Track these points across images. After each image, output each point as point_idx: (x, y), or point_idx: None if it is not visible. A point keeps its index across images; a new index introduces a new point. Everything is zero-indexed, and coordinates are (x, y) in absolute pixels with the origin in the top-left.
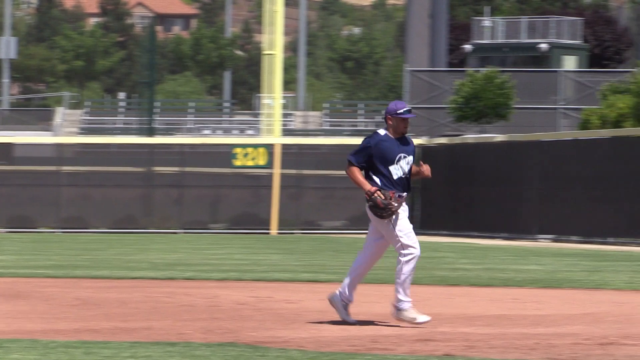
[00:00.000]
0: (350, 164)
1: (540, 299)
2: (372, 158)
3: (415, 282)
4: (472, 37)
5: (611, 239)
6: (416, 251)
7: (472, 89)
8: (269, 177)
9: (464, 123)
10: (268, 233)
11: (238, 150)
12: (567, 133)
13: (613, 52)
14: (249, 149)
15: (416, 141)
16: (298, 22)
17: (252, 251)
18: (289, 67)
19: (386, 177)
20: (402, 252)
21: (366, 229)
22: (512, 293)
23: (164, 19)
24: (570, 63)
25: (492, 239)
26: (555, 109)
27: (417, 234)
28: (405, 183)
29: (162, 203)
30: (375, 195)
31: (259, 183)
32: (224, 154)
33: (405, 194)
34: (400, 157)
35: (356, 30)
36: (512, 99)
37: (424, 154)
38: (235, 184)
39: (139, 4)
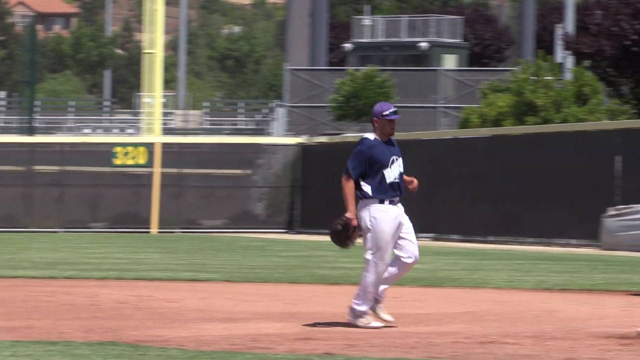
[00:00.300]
0: (349, 176)
1: (421, 298)
2: (366, 164)
3: (296, 280)
4: (352, 36)
5: (491, 238)
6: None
7: (352, 87)
8: (149, 176)
9: (345, 122)
10: (148, 232)
11: (118, 149)
12: (447, 132)
13: (493, 50)
14: (129, 148)
15: (295, 140)
16: (178, 21)
17: (132, 250)
18: (169, 66)
19: (379, 182)
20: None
21: (246, 228)
22: (394, 292)
23: (44, 18)
24: (450, 62)
25: None
26: (435, 107)
27: (297, 232)
28: (397, 186)
29: (42, 202)
30: (350, 226)
31: (140, 182)
32: (104, 152)
33: (398, 197)
34: (393, 160)
35: (236, 29)
36: (393, 97)
37: (304, 153)
38: (115, 183)
39: (20, 3)
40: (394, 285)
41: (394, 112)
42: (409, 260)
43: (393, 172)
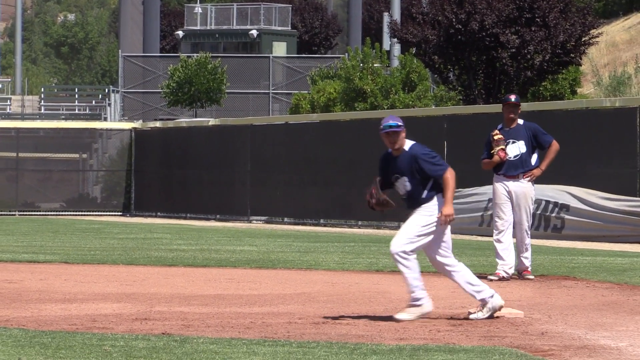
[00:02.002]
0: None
1: (254, 279)
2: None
3: (132, 262)
4: (184, 23)
5: (322, 221)
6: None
7: (184, 74)
8: None
9: (177, 107)
10: None
11: None
12: (278, 117)
13: (322, 38)
14: None
15: (130, 125)
16: (15, 9)
17: None
18: (6, 53)
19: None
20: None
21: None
22: (228, 273)
23: None
24: (280, 49)
25: (206, 221)
26: (266, 93)
27: (132, 215)
28: (406, 203)
29: None
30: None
31: None
32: None
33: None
34: (395, 178)
35: (71, 16)
36: (225, 83)
37: (138, 138)
38: None
39: None
40: (227, 266)
41: (389, 126)
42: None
43: (397, 188)
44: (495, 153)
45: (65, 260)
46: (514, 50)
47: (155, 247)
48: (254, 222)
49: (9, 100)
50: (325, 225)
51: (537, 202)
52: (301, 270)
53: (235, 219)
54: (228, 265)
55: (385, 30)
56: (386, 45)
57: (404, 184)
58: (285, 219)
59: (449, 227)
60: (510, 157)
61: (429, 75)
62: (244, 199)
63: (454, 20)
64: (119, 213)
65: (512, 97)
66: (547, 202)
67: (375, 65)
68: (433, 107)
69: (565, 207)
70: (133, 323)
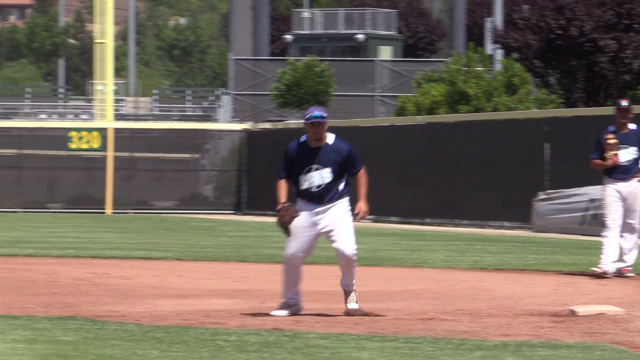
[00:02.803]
0: (277, 177)
1: (362, 277)
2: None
3: (243, 259)
4: (292, 27)
5: (428, 220)
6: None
7: (293, 77)
8: (103, 159)
9: (287, 109)
10: (103, 213)
11: (73, 133)
12: (384, 119)
13: (427, 42)
14: (84, 133)
15: (241, 126)
16: (127, 13)
17: (88, 230)
18: (120, 55)
19: (298, 187)
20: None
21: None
22: (336, 270)
23: (0, 9)
24: (385, 53)
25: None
26: (372, 96)
27: (244, 214)
28: (313, 195)
29: (1, 184)
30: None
31: (94, 165)
32: (60, 137)
33: (317, 207)
34: (314, 169)
35: (182, 20)
36: (332, 86)
37: (249, 138)
38: (71, 165)
39: None
40: (337, 264)
41: (314, 116)
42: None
43: (311, 179)
44: (609, 157)
45: (178, 257)
46: (612, 54)
47: (267, 245)
48: (362, 221)
49: (123, 102)
50: (431, 224)
51: None
52: (408, 268)
53: None
54: (336, 262)
55: (488, 35)
56: (489, 50)
57: (321, 176)
58: (392, 218)
59: None
60: (621, 162)
61: (530, 78)
62: (352, 198)
63: (554, 26)
64: (231, 211)
65: (623, 102)
66: None
67: (478, 68)
68: (534, 110)
69: None
70: (245, 318)
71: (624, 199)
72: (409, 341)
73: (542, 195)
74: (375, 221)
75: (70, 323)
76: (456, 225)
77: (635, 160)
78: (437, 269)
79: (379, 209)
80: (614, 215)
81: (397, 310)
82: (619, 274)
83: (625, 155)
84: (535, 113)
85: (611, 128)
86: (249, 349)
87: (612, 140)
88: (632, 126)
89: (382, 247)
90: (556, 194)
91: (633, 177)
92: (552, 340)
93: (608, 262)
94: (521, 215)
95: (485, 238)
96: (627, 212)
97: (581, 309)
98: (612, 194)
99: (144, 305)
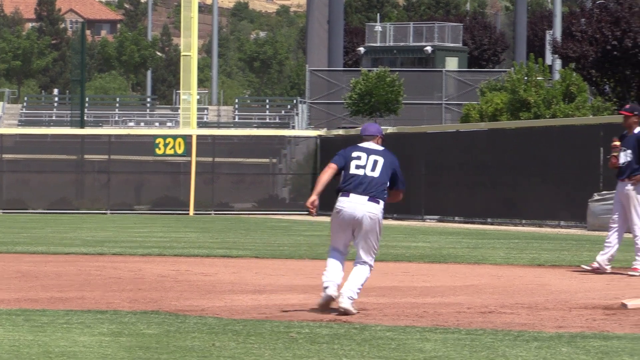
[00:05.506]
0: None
1: (427, 273)
2: None
3: (317, 257)
4: (365, 40)
5: (489, 219)
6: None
7: (365, 86)
8: (187, 164)
9: (359, 117)
10: (186, 214)
11: (159, 140)
12: (449, 126)
13: (490, 54)
14: (169, 139)
15: (315, 133)
16: (211, 27)
17: (172, 230)
18: (204, 67)
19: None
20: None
21: (272, 210)
22: (403, 267)
23: (92, 24)
24: (452, 64)
25: (384, 219)
26: (439, 104)
27: (318, 215)
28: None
29: (92, 187)
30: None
31: (178, 169)
32: (147, 143)
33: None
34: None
35: (262, 34)
36: (401, 95)
37: (323, 144)
38: (157, 170)
39: (71, 10)
40: (403, 260)
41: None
42: None
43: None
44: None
45: (256, 255)
46: None
47: None
48: (428, 220)
49: (206, 110)
50: (492, 224)
51: None
52: (470, 265)
53: (411, 217)
54: (403, 259)
55: (548, 46)
56: (548, 60)
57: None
58: (456, 218)
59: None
60: (620, 164)
61: (587, 87)
62: (418, 199)
63: (610, 37)
64: (305, 212)
65: (625, 107)
66: None
67: (538, 78)
68: (590, 117)
69: None
70: (317, 312)
71: (621, 200)
72: (469, 333)
73: (596, 196)
74: (439, 221)
75: (154, 317)
76: (516, 224)
77: (632, 164)
78: (497, 265)
79: (444, 209)
80: (613, 216)
81: (459, 304)
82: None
83: (622, 157)
84: (591, 119)
85: (625, 132)
86: (320, 341)
87: (614, 142)
88: (637, 130)
89: (446, 245)
90: (610, 195)
91: (628, 179)
92: (604, 331)
93: (599, 259)
94: (577, 215)
95: (543, 236)
96: (623, 213)
97: (631, 302)
98: (616, 194)
99: (223, 300)
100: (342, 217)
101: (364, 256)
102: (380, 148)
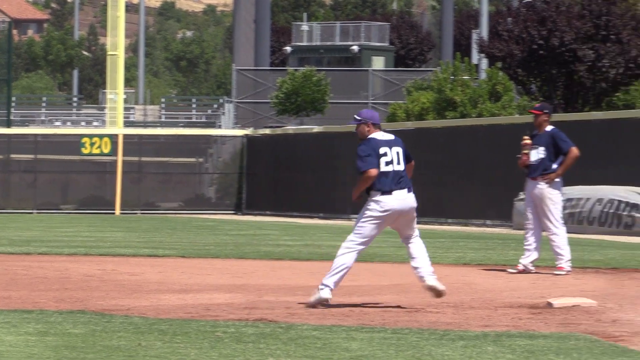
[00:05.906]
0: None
1: (353, 272)
2: None
3: (243, 256)
4: (292, 39)
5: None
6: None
7: (292, 85)
8: (113, 163)
9: (285, 116)
10: (113, 213)
11: (86, 139)
12: None
13: (417, 53)
14: (95, 139)
15: (242, 132)
16: (138, 26)
17: (98, 229)
18: (130, 66)
19: None
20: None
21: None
22: (329, 266)
23: (19, 23)
24: (378, 63)
25: (310, 219)
26: (366, 103)
27: (243, 214)
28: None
29: (18, 186)
30: None
31: (105, 169)
32: (74, 143)
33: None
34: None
35: (189, 33)
36: (328, 94)
37: (250, 143)
38: (83, 169)
39: None
40: (330, 260)
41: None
42: None
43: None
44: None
45: (182, 254)
46: (590, 64)
47: (264, 242)
48: (354, 219)
49: (132, 109)
50: (418, 223)
51: (610, 201)
52: (396, 264)
53: (337, 217)
54: (330, 259)
55: (474, 46)
56: (475, 60)
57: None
58: None
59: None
60: (531, 161)
61: (513, 86)
62: (344, 198)
63: (536, 36)
64: (232, 212)
65: (535, 106)
66: (619, 201)
67: (464, 77)
68: (517, 116)
69: (635, 207)
70: (242, 311)
71: (533, 200)
72: (395, 332)
73: (522, 195)
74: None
75: (80, 316)
76: (441, 223)
77: (545, 161)
78: None
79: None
80: (528, 216)
81: (385, 303)
82: (525, 269)
83: (534, 154)
84: (517, 119)
85: (535, 131)
86: (246, 340)
87: (524, 141)
88: (548, 128)
89: (372, 244)
90: None
91: (541, 177)
92: (530, 330)
93: (524, 261)
94: (503, 213)
95: (469, 235)
96: (536, 211)
97: (557, 302)
98: (527, 193)
99: (149, 299)
100: (389, 215)
101: (413, 231)
102: (392, 137)
